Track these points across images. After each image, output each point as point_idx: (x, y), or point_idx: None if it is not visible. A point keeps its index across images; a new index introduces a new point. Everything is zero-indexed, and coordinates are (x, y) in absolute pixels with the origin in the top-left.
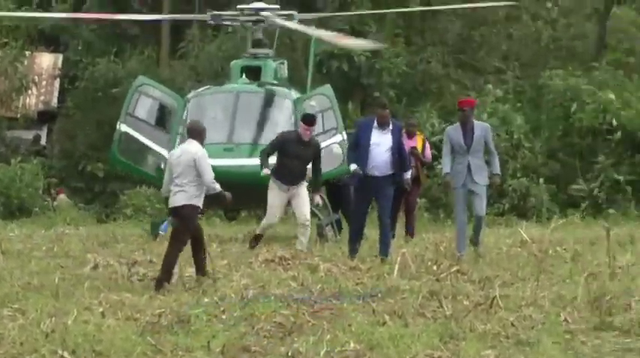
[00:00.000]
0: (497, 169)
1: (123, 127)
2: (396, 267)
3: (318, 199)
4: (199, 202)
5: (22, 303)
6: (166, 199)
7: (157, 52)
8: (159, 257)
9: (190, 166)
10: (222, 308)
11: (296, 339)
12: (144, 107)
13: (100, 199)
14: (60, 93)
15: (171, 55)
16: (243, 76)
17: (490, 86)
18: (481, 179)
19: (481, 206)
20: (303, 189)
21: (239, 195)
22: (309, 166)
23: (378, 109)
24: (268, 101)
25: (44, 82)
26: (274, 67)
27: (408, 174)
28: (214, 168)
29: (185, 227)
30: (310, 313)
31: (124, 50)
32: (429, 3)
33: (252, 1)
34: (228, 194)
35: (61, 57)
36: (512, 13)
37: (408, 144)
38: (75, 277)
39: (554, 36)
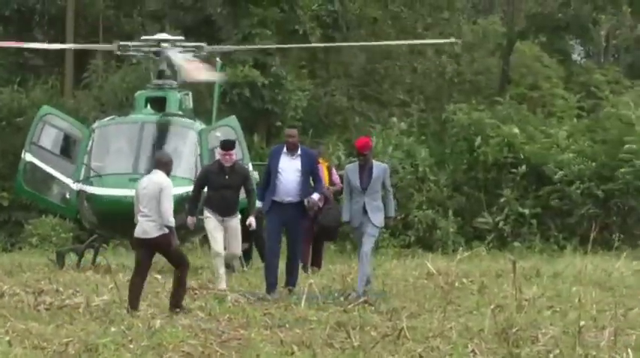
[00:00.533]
0: (391, 212)
1: (28, 156)
2: (304, 297)
3: (251, 221)
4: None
5: None
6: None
7: (60, 82)
8: (65, 286)
9: (156, 197)
10: (129, 338)
11: None
12: (49, 136)
13: (5, 228)
14: None
15: (75, 85)
16: (148, 106)
17: (394, 119)
18: (376, 220)
19: (368, 244)
20: (235, 222)
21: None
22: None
23: (286, 130)
24: (173, 132)
25: None
26: (179, 97)
27: (316, 196)
28: (119, 199)
29: (171, 252)
30: (218, 343)
31: (28, 79)
32: (333, 38)
33: (157, 33)
34: (176, 241)
35: None
36: (415, 46)
37: None
38: None
39: (458, 70)
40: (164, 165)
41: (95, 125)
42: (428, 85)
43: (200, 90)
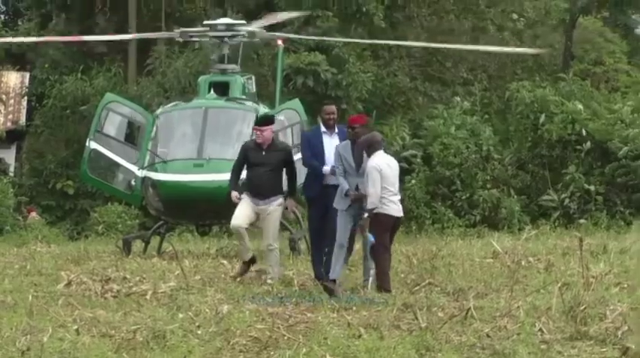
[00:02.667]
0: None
1: (92, 144)
2: (370, 279)
3: (291, 205)
4: None
5: None
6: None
7: (124, 70)
8: (132, 273)
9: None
10: (197, 324)
11: (272, 353)
12: (113, 124)
13: (71, 217)
14: (28, 111)
15: (138, 72)
16: (211, 91)
17: (458, 98)
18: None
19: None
20: (273, 209)
21: (210, 211)
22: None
23: (325, 107)
24: (237, 116)
25: (12, 101)
26: (242, 82)
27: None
28: (184, 184)
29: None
30: (286, 327)
31: (91, 68)
32: (394, 18)
33: (219, 17)
34: None
35: (28, 75)
36: (478, 24)
37: None
38: (49, 294)
39: (521, 47)
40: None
41: (159, 111)
42: (490, 63)
43: (263, 74)
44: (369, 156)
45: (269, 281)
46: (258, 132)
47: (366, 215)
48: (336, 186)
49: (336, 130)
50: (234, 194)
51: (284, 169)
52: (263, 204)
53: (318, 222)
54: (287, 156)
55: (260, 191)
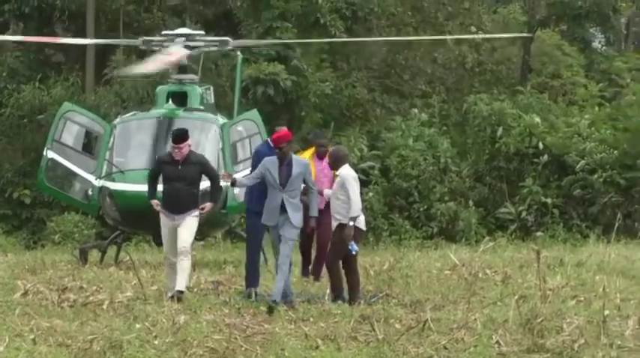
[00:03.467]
0: (315, 212)
1: (49, 154)
2: (327, 291)
3: (209, 207)
4: None
5: None
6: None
7: (82, 79)
8: (88, 283)
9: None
10: (154, 334)
11: None
12: (70, 133)
13: (28, 226)
14: None
15: (96, 82)
16: (170, 101)
17: (416, 110)
18: (295, 220)
19: (287, 250)
20: (189, 219)
21: None
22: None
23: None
24: (194, 126)
25: None
26: (200, 92)
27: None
28: (141, 194)
29: None
30: (243, 338)
31: (49, 77)
32: (354, 30)
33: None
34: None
35: None
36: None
37: (318, 166)
38: (5, 304)
39: (479, 60)
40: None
41: (117, 121)
42: (449, 76)
43: (221, 84)
44: (335, 169)
45: (169, 294)
46: (176, 150)
47: (351, 223)
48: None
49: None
50: (155, 202)
51: (200, 182)
52: (179, 219)
53: (259, 233)
54: (204, 169)
55: (176, 206)
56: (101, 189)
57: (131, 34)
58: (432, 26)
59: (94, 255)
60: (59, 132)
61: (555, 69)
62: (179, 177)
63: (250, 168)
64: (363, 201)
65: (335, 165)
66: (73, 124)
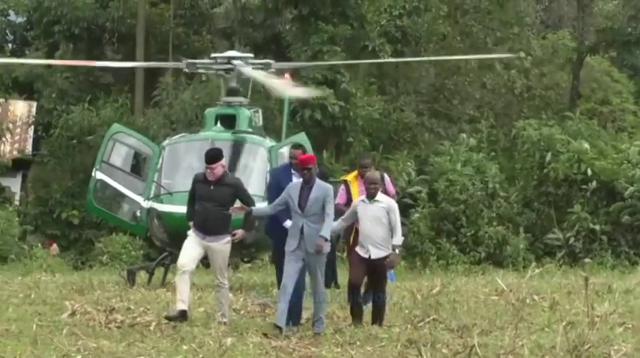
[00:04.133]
0: (326, 232)
1: (98, 175)
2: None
3: (240, 234)
4: None
5: (0, 350)
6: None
7: (131, 100)
8: (136, 304)
9: None
10: (200, 356)
11: None
12: (119, 155)
13: (76, 246)
14: (34, 140)
15: (145, 103)
16: (218, 123)
17: (464, 135)
18: (312, 247)
19: (316, 281)
20: (219, 247)
21: None
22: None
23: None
24: (243, 149)
25: (18, 130)
26: (248, 114)
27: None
28: None
29: None
30: None
31: (98, 98)
32: (402, 53)
33: (226, 50)
34: None
35: (35, 105)
36: (485, 62)
37: (361, 187)
38: (53, 324)
39: (528, 85)
40: None
41: (165, 143)
42: (497, 101)
43: (269, 107)
44: (372, 196)
45: (222, 320)
46: (208, 170)
47: (397, 251)
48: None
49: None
50: (192, 223)
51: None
52: (209, 241)
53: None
54: (237, 191)
55: (206, 226)
56: (149, 210)
57: (180, 56)
58: (480, 51)
59: (142, 276)
60: (108, 154)
61: (604, 95)
62: (211, 198)
63: (267, 189)
64: (407, 224)
65: (375, 190)
66: (121, 146)
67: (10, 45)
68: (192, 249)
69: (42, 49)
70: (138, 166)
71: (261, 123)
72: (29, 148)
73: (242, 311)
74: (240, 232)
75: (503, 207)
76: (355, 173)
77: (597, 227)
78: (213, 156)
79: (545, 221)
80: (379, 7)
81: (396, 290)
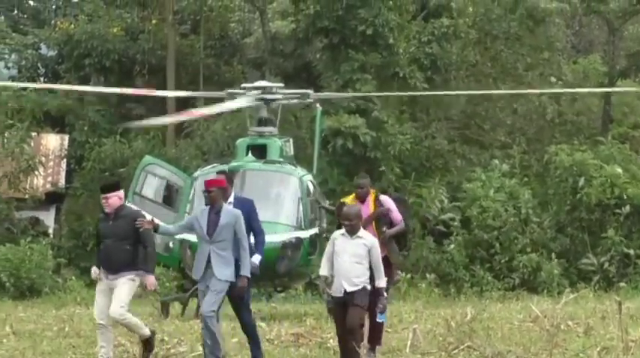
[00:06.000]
0: (245, 270)
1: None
2: (408, 342)
3: (151, 284)
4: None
5: None
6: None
7: (162, 132)
8: (170, 335)
9: None
10: None
11: None
12: (151, 186)
13: None
14: (67, 173)
15: (176, 135)
16: (249, 154)
17: (496, 161)
18: (221, 273)
19: (208, 304)
20: (122, 282)
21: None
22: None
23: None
24: (274, 179)
25: (51, 163)
26: (280, 144)
27: (257, 258)
28: None
29: None
30: None
31: (130, 131)
32: (433, 80)
33: (257, 80)
34: None
35: (67, 138)
36: (516, 88)
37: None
38: (87, 357)
39: (559, 110)
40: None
41: (197, 173)
42: (529, 126)
43: (301, 137)
44: (352, 232)
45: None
46: (103, 200)
47: (385, 294)
48: None
49: (231, 199)
50: (93, 269)
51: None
52: (113, 279)
53: None
54: (133, 226)
55: (107, 265)
56: (182, 241)
57: (211, 86)
58: (511, 77)
59: (176, 307)
60: (140, 185)
61: (637, 119)
62: (110, 234)
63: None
64: (442, 252)
65: (351, 225)
66: (153, 177)
67: (42, 78)
68: (100, 301)
69: (73, 82)
70: (170, 197)
71: (292, 152)
72: (62, 181)
73: (275, 342)
74: (150, 280)
75: (536, 233)
76: (353, 195)
77: (631, 251)
78: (108, 184)
79: (579, 246)
80: (408, 34)
81: (430, 317)
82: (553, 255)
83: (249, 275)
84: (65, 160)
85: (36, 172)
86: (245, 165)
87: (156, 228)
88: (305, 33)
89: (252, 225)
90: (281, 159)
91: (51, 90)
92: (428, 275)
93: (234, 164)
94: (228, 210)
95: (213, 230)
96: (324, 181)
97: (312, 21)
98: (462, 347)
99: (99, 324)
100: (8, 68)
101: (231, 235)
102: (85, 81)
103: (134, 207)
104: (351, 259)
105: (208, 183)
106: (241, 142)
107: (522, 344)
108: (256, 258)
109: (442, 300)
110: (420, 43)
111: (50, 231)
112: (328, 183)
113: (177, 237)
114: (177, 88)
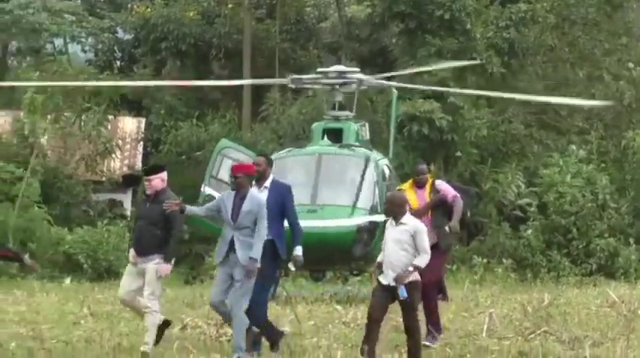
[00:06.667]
0: (255, 253)
1: (207, 190)
2: (484, 327)
3: (163, 271)
4: None
5: None
6: None
7: (238, 116)
8: None
9: None
10: None
11: None
12: (227, 169)
13: (186, 261)
14: (143, 156)
15: (252, 118)
16: (325, 138)
17: (574, 146)
18: (245, 260)
19: (234, 296)
20: (150, 267)
21: (323, 256)
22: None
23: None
24: (350, 163)
25: (128, 146)
26: (355, 128)
27: (299, 250)
28: None
29: None
30: None
31: (206, 114)
32: (510, 65)
33: (333, 64)
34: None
35: (143, 121)
36: (593, 73)
37: (418, 195)
38: (164, 338)
39: (637, 96)
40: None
41: (273, 157)
42: (606, 112)
43: (377, 121)
44: (398, 216)
45: (143, 348)
46: (146, 183)
47: (411, 268)
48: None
49: (267, 184)
50: (131, 252)
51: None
52: (142, 262)
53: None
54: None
55: (138, 247)
56: None
57: (287, 71)
58: (589, 62)
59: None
60: (216, 169)
61: None
62: (144, 216)
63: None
64: (519, 237)
65: (394, 212)
66: (230, 161)
67: (118, 62)
68: (125, 280)
69: (149, 65)
70: None
71: (368, 136)
72: (139, 164)
73: (352, 324)
74: (163, 268)
75: (614, 219)
76: (411, 181)
77: None
78: (152, 166)
79: None
80: (486, 19)
81: (507, 302)
82: (631, 241)
83: (257, 258)
84: (142, 143)
85: (113, 155)
86: (321, 149)
87: (182, 210)
88: (381, 17)
89: (287, 213)
90: (357, 144)
91: (127, 74)
92: (504, 261)
93: (311, 148)
94: (253, 197)
95: (237, 215)
96: (399, 165)
97: (389, 5)
98: (538, 331)
99: (122, 300)
100: (85, 52)
101: (253, 222)
102: (161, 64)
103: (174, 195)
104: (395, 247)
105: (235, 169)
106: (317, 126)
107: (599, 329)
108: (298, 250)
109: (518, 285)
110: (498, 28)
111: (127, 213)
112: (404, 167)
113: None
114: (253, 72)
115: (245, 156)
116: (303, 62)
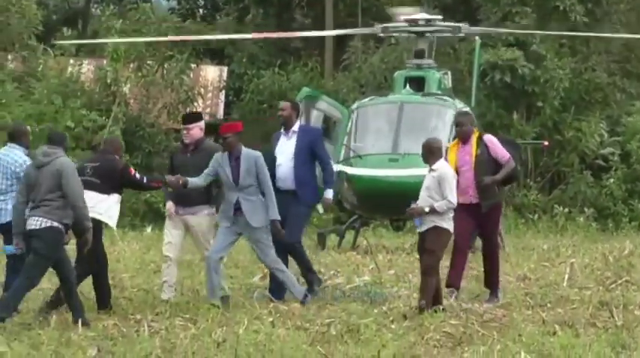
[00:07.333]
0: (273, 214)
1: None
2: (565, 276)
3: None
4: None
5: (192, 313)
6: None
7: (320, 65)
8: (326, 267)
9: None
10: (391, 318)
11: (466, 349)
12: (309, 119)
13: None
14: (225, 105)
15: (334, 67)
16: (407, 86)
17: None
18: (255, 221)
19: (266, 254)
20: (199, 221)
21: (405, 206)
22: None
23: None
24: (432, 111)
25: (210, 95)
26: (438, 77)
27: (329, 193)
28: (379, 179)
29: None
30: (480, 323)
31: (288, 63)
32: (593, 12)
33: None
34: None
35: (225, 69)
36: None
37: (460, 150)
38: (244, 287)
39: None
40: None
41: (355, 106)
42: None
43: (459, 69)
44: (430, 162)
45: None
46: (185, 131)
47: (427, 209)
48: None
49: (295, 129)
50: (168, 204)
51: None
52: (186, 214)
53: None
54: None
55: (182, 198)
56: (339, 173)
57: (369, 19)
58: None
59: (332, 239)
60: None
61: None
62: (186, 166)
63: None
64: (601, 186)
65: (432, 157)
66: (311, 109)
67: (200, 10)
68: (171, 234)
69: (232, 13)
70: (328, 130)
71: (450, 85)
72: (221, 113)
73: None
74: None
75: None
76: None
77: None
78: (191, 115)
79: None
80: None
81: (588, 251)
82: None
83: (279, 218)
84: (224, 92)
85: (195, 104)
86: (403, 97)
87: (185, 185)
88: None
89: (319, 154)
90: (439, 92)
91: (210, 22)
92: (586, 210)
93: (394, 96)
94: (247, 154)
95: (237, 176)
96: (482, 114)
97: None
98: (619, 281)
99: (165, 256)
100: (168, 0)
101: (254, 179)
102: (244, 13)
103: (214, 144)
104: (424, 193)
105: (222, 129)
106: (399, 75)
107: None
108: (329, 193)
109: (600, 235)
110: None
111: None
112: (486, 115)
113: (335, 169)
114: (336, 20)
115: (327, 105)
116: (385, 11)
